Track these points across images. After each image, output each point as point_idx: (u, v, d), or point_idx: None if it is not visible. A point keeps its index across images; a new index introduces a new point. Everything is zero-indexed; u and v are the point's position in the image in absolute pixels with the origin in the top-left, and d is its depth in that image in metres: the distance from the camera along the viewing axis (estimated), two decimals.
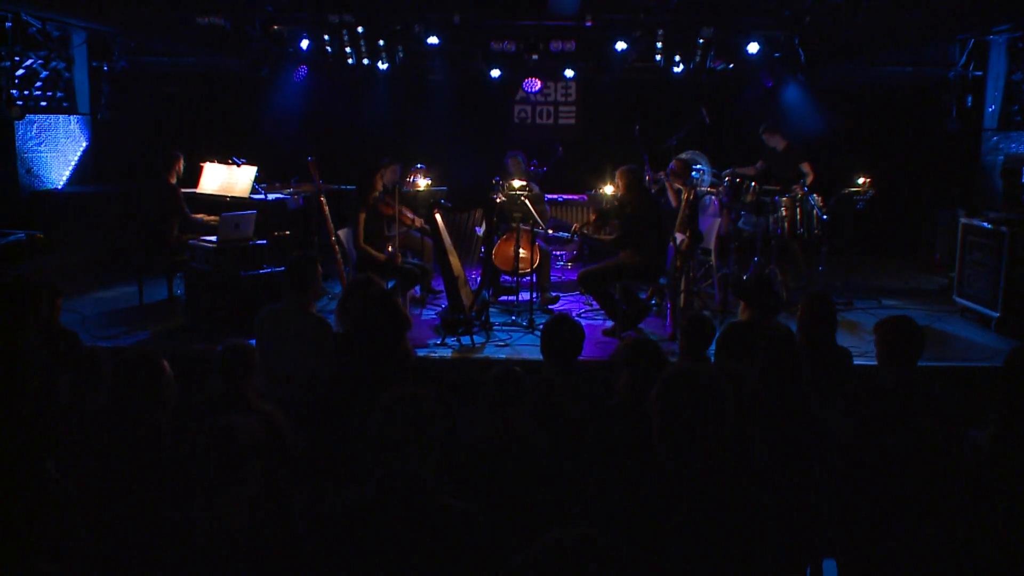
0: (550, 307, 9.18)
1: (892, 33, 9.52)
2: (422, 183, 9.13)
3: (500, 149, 10.78)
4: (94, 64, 12.11)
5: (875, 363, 7.35)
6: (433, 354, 7.56)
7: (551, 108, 12.81)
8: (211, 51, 11.67)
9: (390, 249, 8.34)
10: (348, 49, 10.97)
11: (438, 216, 7.98)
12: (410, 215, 8.52)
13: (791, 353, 4.31)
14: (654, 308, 9.02)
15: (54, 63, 11.63)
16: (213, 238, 8.34)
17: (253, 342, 5.92)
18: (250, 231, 8.52)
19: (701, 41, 10.56)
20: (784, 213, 9.41)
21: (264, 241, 8.54)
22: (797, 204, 9.37)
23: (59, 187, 11.61)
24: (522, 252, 9.07)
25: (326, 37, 10.82)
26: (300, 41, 10.67)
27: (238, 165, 9.19)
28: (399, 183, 9.40)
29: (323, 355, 5.63)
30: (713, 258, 9.73)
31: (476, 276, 8.64)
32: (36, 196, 11.15)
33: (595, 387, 4.87)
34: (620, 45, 10.46)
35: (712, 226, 9.74)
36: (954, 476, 4.38)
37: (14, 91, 10.79)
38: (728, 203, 9.80)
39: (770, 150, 10.56)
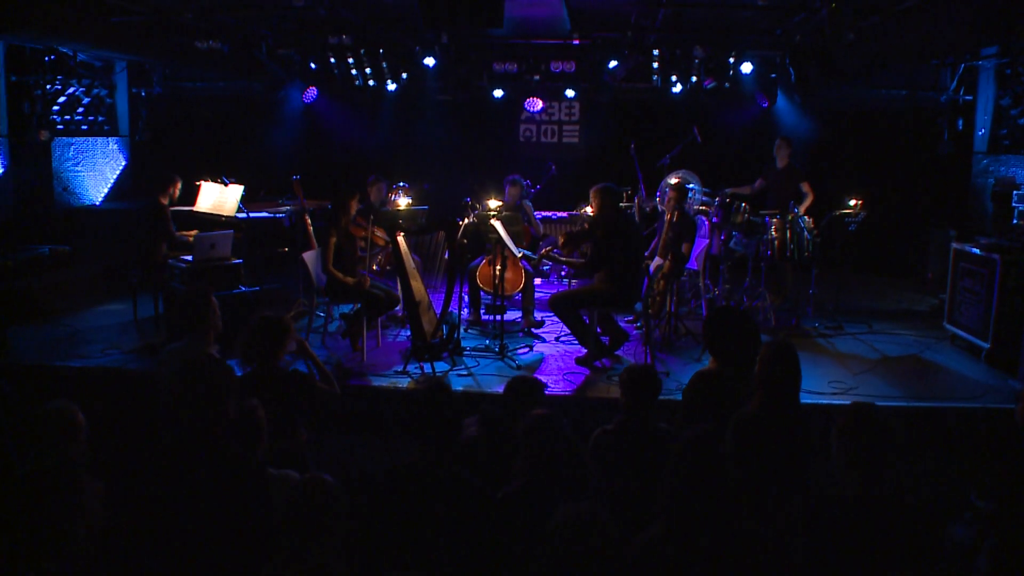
0: (534, 331, 7.56)
1: (882, 56, 7.70)
2: (403, 202, 7.58)
3: (506, 167, 9.21)
4: (133, 90, 10.98)
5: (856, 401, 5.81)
6: (387, 383, 6.04)
7: (555, 127, 11.18)
8: (232, 76, 10.37)
9: (374, 268, 6.89)
10: (354, 71, 9.51)
11: (400, 239, 6.43)
12: (384, 237, 6.98)
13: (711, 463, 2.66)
14: (639, 333, 7.36)
15: (96, 90, 10.62)
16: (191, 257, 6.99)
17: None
18: (227, 251, 7.16)
19: (696, 61, 8.82)
20: (775, 234, 7.68)
21: (240, 260, 7.18)
22: (788, 226, 7.64)
23: (97, 204, 10.43)
24: (507, 273, 7.52)
25: (332, 60, 9.35)
26: (304, 64, 9.23)
27: (226, 184, 7.78)
28: (383, 201, 7.92)
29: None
30: (701, 280, 8.02)
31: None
32: (72, 212, 10.03)
33: (484, 467, 3.28)
34: (612, 63, 8.79)
35: (701, 247, 8.02)
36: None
37: (55, 116, 9.77)
38: (719, 223, 8.09)
39: (770, 168, 8.78)
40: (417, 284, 6.42)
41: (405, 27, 8.60)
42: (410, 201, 7.68)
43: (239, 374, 4.34)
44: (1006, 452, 3.60)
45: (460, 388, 5.97)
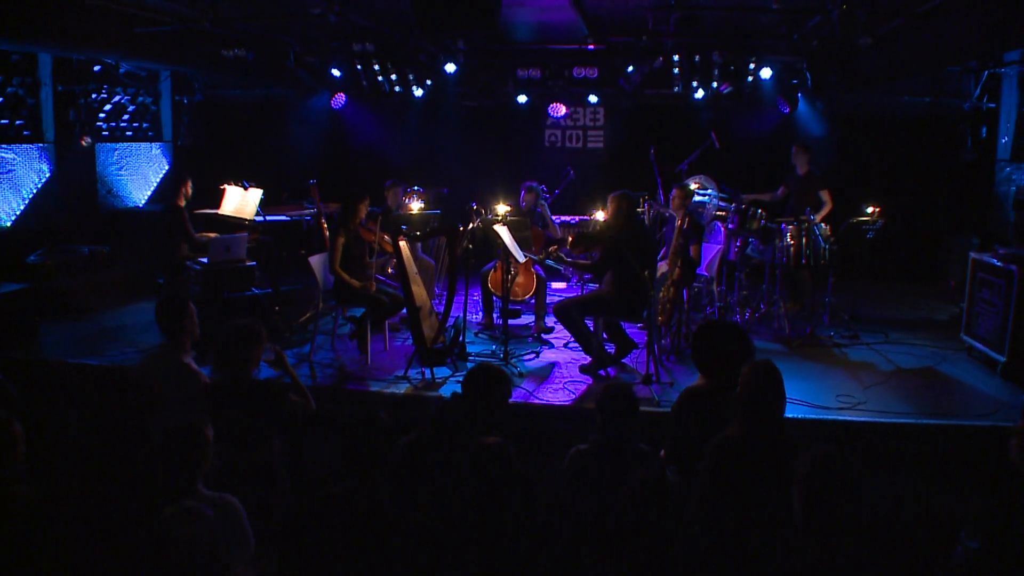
0: (544, 336, 7.18)
1: (903, 61, 7.12)
2: (415, 207, 7.27)
3: (532, 172, 8.84)
4: (176, 98, 10.89)
5: (865, 419, 5.31)
6: (384, 388, 5.73)
7: (580, 132, 10.76)
8: (261, 83, 10.22)
9: (388, 271, 6.58)
10: (380, 78, 9.24)
11: (402, 244, 6.11)
12: (389, 241, 6.68)
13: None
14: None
15: (141, 98, 10.60)
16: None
17: None
18: (242, 253, 6.96)
19: (717, 71, 8.31)
20: (790, 241, 7.16)
21: (254, 263, 6.97)
22: (803, 233, 7.10)
23: (140, 206, 10.39)
24: (519, 278, 7.16)
25: (359, 67, 9.09)
26: (330, 70, 8.98)
27: (246, 188, 7.57)
28: (400, 205, 7.63)
29: (188, 408, 3.90)
30: (715, 286, 7.53)
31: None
32: (116, 214, 10.00)
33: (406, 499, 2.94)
34: (629, 69, 8.34)
35: (714, 253, 7.53)
36: None
37: (101, 123, 9.80)
38: (735, 229, 7.60)
39: (791, 176, 8.23)
40: (418, 289, 6.10)
41: (425, 33, 8.28)
42: (423, 205, 7.37)
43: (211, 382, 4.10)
44: (998, 485, 3.12)
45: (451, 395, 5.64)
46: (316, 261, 6.49)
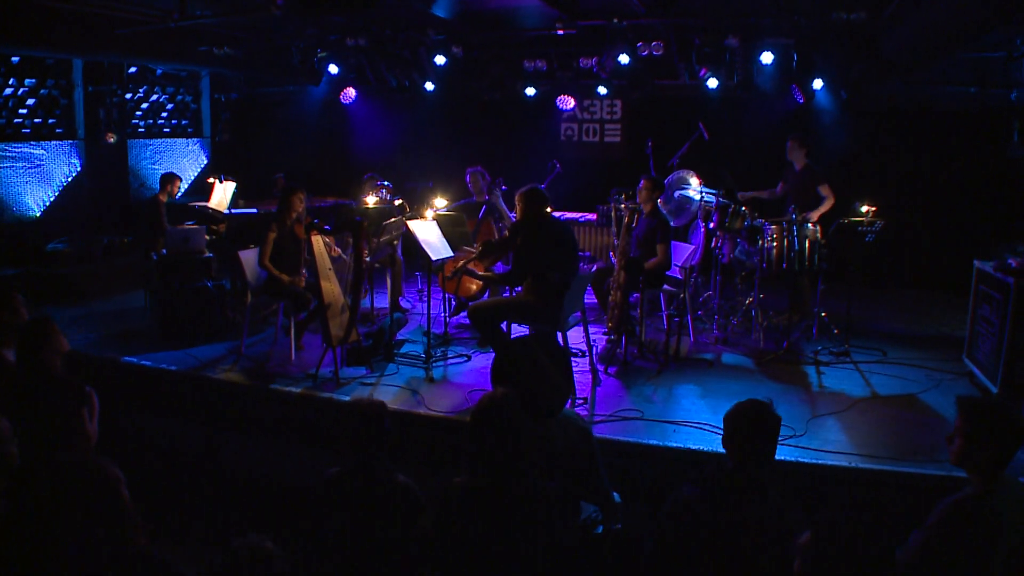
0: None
1: (916, 44, 5.89)
2: (371, 200, 6.82)
3: (545, 167, 8.18)
4: (215, 96, 10.96)
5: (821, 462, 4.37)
6: (285, 387, 5.34)
7: (597, 126, 9.90)
8: (269, 81, 10.10)
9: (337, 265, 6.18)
10: (386, 73, 8.87)
11: (315, 238, 5.68)
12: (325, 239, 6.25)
13: None
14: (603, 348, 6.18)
15: (180, 96, 10.71)
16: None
17: None
18: (201, 245, 6.77)
19: (695, 55, 7.36)
20: (773, 243, 6.15)
21: (211, 254, 6.77)
22: (785, 234, 6.09)
23: (175, 199, 10.55)
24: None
25: (366, 63, 8.77)
26: (327, 66, 8.70)
27: (221, 181, 7.43)
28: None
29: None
30: (684, 291, 6.59)
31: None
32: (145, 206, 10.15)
33: None
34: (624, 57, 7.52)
35: (688, 254, 6.63)
36: None
37: (138, 120, 10.06)
38: (713, 228, 6.68)
39: (788, 170, 7.18)
40: (328, 285, 5.61)
41: (412, 26, 7.82)
42: (377, 200, 6.92)
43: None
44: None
45: (347, 399, 5.16)
46: (247, 256, 6.18)
